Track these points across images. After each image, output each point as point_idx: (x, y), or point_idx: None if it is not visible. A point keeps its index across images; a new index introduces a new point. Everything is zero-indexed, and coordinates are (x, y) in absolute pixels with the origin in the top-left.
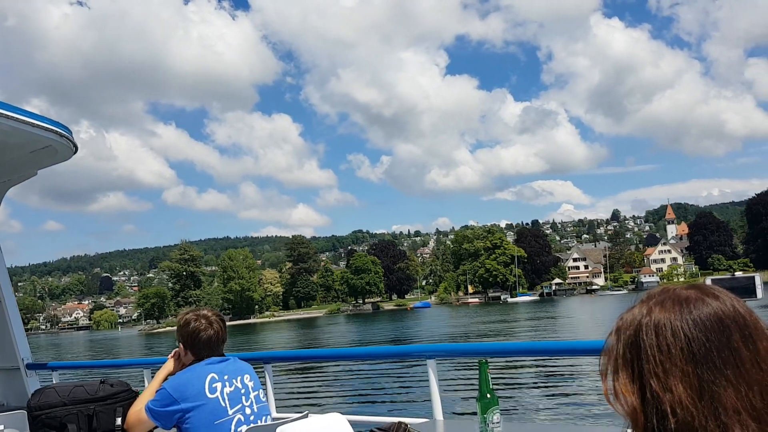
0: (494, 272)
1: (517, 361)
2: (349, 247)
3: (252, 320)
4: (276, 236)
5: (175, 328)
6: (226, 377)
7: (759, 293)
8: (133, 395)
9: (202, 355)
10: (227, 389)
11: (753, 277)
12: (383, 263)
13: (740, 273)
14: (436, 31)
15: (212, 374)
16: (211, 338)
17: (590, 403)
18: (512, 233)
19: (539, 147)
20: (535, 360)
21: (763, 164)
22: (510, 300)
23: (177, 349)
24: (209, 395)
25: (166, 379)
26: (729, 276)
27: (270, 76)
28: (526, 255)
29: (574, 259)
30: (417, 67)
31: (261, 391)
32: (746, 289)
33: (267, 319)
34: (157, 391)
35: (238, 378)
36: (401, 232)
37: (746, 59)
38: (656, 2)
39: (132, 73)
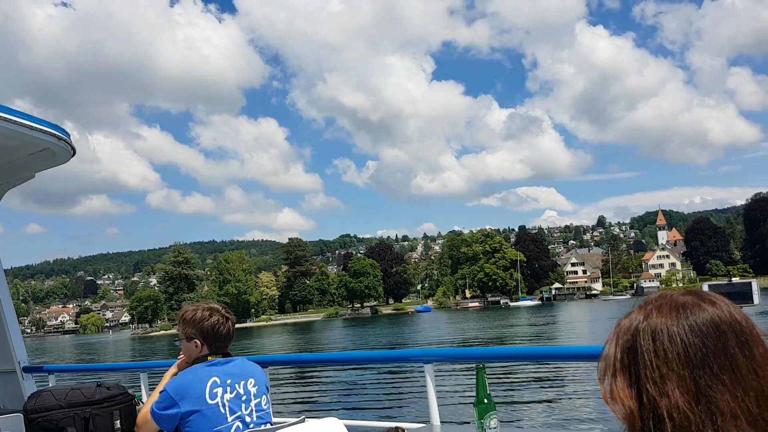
0: (494, 276)
1: (515, 366)
2: (337, 252)
3: (248, 324)
4: (261, 240)
5: (169, 331)
6: (228, 381)
7: (756, 299)
8: (130, 398)
9: (218, 350)
10: (228, 395)
11: (750, 283)
12: (380, 267)
13: (737, 279)
14: (423, 36)
15: (215, 378)
16: (229, 331)
17: (588, 408)
18: (499, 238)
19: (524, 153)
20: (533, 365)
21: (744, 172)
22: (512, 305)
23: (190, 343)
24: (209, 401)
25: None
26: (726, 282)
27: (257, 80)
28: (525, 259)
29: (573, 264)
30: (404, 72)
31: (264, 397)
32: (743, 295)
33: (263, 323)
34: (159, 393)
35: (241, 383)
36: (388, 236)
37: (728, 68)
38: (640, 11)
39: (117, 75)
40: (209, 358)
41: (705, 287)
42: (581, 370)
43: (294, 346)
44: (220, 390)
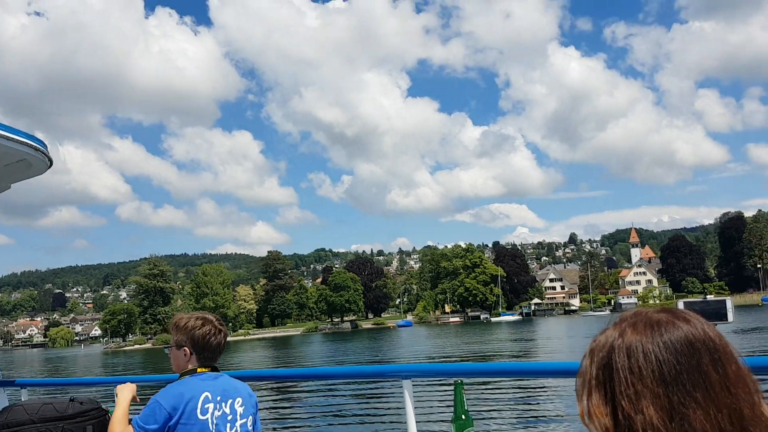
0: (474, 291)
1: (494, 381)
2: (312, 266)
3: None
4: (234, 254)
5: (143, 345)
6: (218, 398)
7: (730, 317)
8: (104, 413)
9: (207, 361)
10: (216, 412)
11: (724, 301)
12: (361, 280)
13: (712, 296)
14: (399, 54)
15: (207, 393)
16: (220, 344)
17: (565, 424)
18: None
19: (497, 171)
20: (511, 381)
21: (711, 192)
22: (493, 320)
23: (180, 351)
24: (200, 416)
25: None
26: (701, 299)
27: (232, 93)
28: (505, 274)
29: (551, 280)
30: (379, 88)
31: (251, 418)
32: (717, 313)
33: (241, 338)
34: (146, 406)
35: (229, 402)
36: (363, 251)
37: (697, 90)
38: (611, 33)
39: (89, 85)
40: (198, 370)
41: (680, 304)
42: (560, 386)
43: (272, 361)
44: (211, 406)
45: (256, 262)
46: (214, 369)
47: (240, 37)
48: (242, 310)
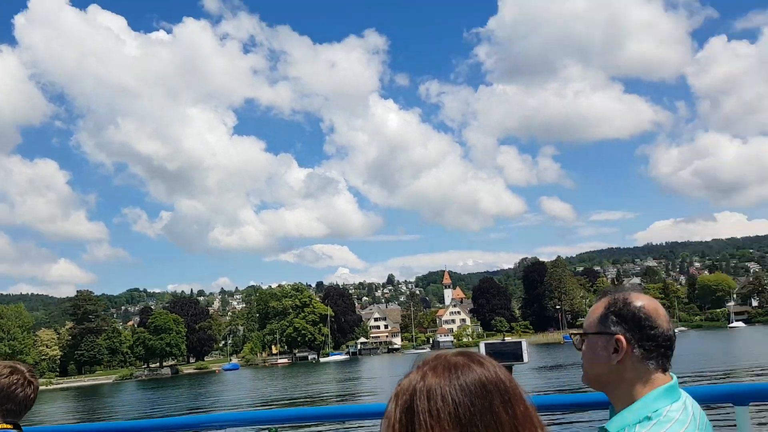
0: (303, 331)
1: (311, 426)
2: (123, 307)
3: None
4: (30, 294)
5: None
6: None
7: (525, 357)
8: None
9: (9, 414)
10: None
11: (520, 343)
12: (184, 322)
13: (509, 338)
14: (226, 92)
15: None
16: (28, 397)
17: None
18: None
19: (321, 212)
20: (327, 425)
21: (510, 239)
22: (321, 360)
23: None
24: None
25: None
26: (500, 341)
27: (37, 118)
28: (334, 314)
29: (375, 319)
30: (205, 124)
31: None
32: (514, 354)
33: (43, 387)
34: None
35: None
36: (182, 291)
37: (499, 147)
38: (426, 90)
39: None
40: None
41: (482, 345)
42: (375, 428)
43: (77, 414)
44: None
45: (57, 304)
46: (17, 426)
47: (49, 60)
48: (43, 357)
